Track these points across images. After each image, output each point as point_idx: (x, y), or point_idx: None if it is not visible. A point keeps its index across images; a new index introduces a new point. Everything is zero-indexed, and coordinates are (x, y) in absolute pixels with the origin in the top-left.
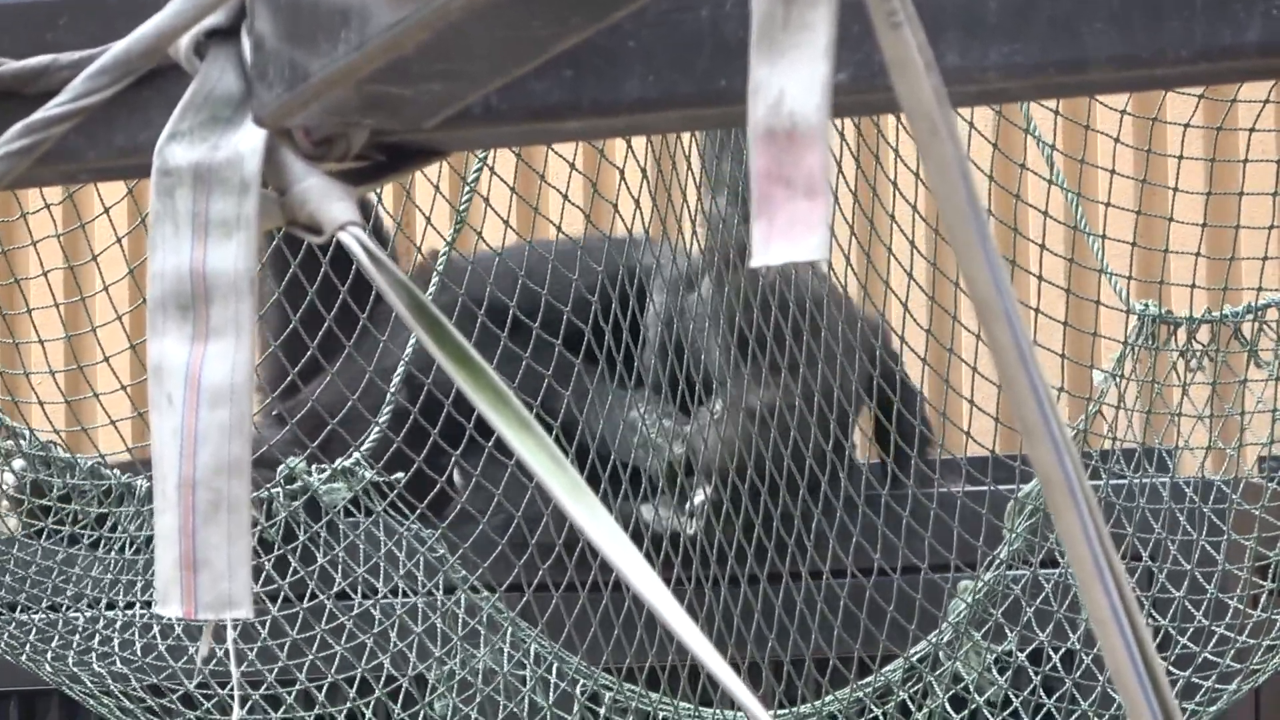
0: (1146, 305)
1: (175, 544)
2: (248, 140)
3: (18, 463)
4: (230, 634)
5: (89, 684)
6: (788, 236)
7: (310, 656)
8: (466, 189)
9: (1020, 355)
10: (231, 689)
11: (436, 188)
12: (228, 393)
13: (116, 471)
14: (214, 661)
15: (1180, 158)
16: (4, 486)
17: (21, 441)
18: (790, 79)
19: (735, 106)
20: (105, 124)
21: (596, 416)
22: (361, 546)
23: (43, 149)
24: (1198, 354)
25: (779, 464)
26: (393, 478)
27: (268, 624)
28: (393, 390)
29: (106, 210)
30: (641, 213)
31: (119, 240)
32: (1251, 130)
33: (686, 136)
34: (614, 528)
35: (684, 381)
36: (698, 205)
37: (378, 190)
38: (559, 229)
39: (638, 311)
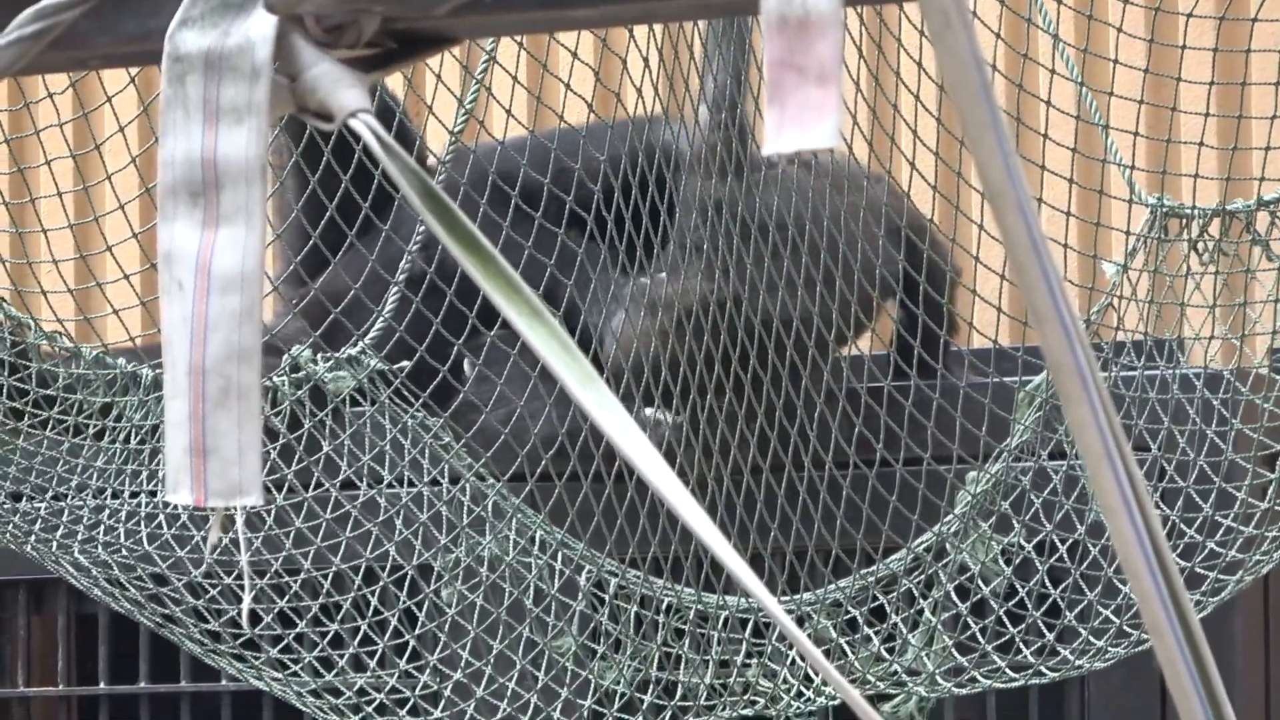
0: (1159, 198)
1: (185, 431)
2: (259, 26)
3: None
4: (239, 521)
5: (94, 574)
6: (799, 123)
7: (316, 544)
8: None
9: (1032, 244)
10: (237, 577)
11: (439, 78)
12: (238, 279)
13: (122, 361)
14: (219, 550)
15: (1183, 48)
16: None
17: (28, 331)
18: None
19: None
20: (116, 10)
21: (599, 305)
22: (367, 435)
23: (54, 34)
24: (1209, 247)
25: (705, 358)
26: (397, 366)
27: (273, 513)
28: (396, 281)
29: (109, 99)
30: (644, 102)
31: (122, 130)
32: (1254, 20)
33: (689, 26)
34: (625, 417)
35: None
36: (700, 96)
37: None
38: (561, 118)
39: (657, 197)
